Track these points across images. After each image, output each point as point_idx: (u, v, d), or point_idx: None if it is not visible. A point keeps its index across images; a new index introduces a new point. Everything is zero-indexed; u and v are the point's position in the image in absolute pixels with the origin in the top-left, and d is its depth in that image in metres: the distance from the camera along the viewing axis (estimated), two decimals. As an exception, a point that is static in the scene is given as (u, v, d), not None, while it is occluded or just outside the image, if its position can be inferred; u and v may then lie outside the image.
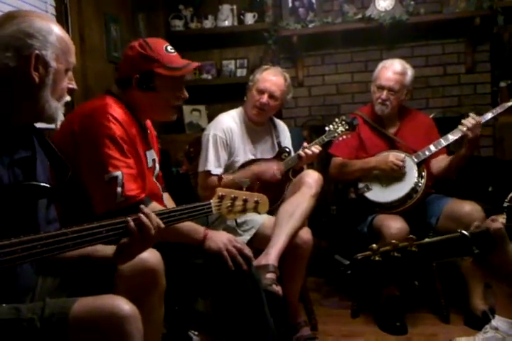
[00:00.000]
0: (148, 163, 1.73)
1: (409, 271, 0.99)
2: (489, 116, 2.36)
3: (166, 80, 1.66)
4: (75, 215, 1.53)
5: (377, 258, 0.97)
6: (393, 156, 2.41)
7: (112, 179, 1.53)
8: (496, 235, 1.01)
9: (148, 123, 1.83)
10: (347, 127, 2.35)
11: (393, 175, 2.42)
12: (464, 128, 2.29)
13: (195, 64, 1.74)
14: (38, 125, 1.27)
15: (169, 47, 1.69)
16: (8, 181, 1.14)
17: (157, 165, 1.82)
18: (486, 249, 1.02)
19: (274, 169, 2.27)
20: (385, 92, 2.47)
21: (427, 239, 1.00)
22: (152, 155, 1.77)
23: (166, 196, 1.89)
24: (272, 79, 2.34)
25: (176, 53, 1.71)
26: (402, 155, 2.42)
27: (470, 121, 2.28)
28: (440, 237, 1.01)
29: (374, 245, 0.99)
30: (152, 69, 1.64)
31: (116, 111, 1.59)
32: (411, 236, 1.01)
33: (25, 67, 1.15)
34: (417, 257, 0.98)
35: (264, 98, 2.31)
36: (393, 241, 1.00)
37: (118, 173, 1.53)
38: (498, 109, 2.36)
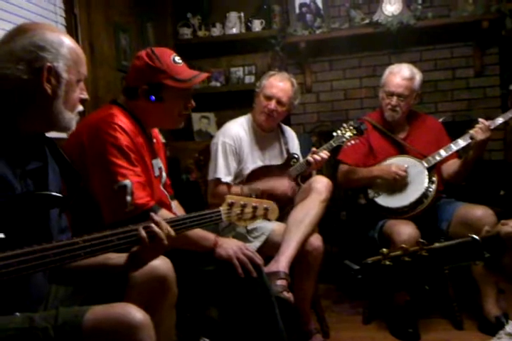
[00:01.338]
0: (155, 172, 1.74)
1: (420, 275, 0.99)
2: (500, 121, 2.34)
3: (174, 91, 1.67)
4: (86, 224, 1.54)
5: (387, 263, 0.96)
6: (396, 167, 2.41)
7: (120, 188, 1.55)
8: (506, 239, 1.00)
9: (155, 131, 1.84)
10: (355, 132, 2.35)
11: (398, 183, 2.41)
12: (473, 132, 2.29)
13: (204, 75, 1.75)
14: (49, 134, 1.29)
15: (177, 58, 1.70)
16: (21, 192, 1.16)
17: (164, 174, 1.83)
18: (497, 253, 1.01)
19: (285, 188, 2.26)
20: (394, 98, 2.46)
21: (437, 244, 1.00)
22: (158, 164, 1.78)
23: (175, 204, 1.90)
24: (279, 85, 2.34)
25: (183, 64, 1.72)
26: (406, 165, 2.42)
27: (479, 125, 2.29)
28: (450, 242, 1.00)
29: (384, 249, 0.98)
30: (160, 81, 1.65)
31: (122, 120, 1.61)
32: (421, 240, 1.01)
33: (38, 80, 1.16)
34: (427, 262, 0.97)
35: (272, 104, 2.32)
36: (403, 245, 0.99)
37: (127, 182, 1.55)
38: (509, 114, 2.35)
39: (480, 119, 2.33)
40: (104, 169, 1.56)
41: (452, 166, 2.48)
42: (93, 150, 1.57)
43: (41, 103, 1.18)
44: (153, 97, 1.66)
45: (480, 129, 2.28)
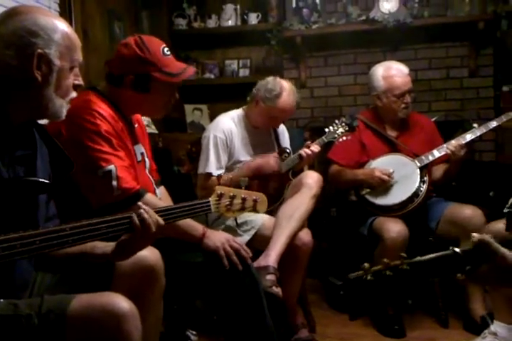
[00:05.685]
0: (137, 157, 1.74)
1: (402, 289, 0.99)
2: (493, 124, 2.36)
3: (161, 84, 1.67)
4: (72, 211, 1.52)
5: (369, 278, 0.96)
6: (379, 171, 2.40)
7: (106, 173, 1.55)
8: (482, 245, 0.99)
9: (137, 116, 1.83)
10: (347, 128, 2.37)
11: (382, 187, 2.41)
12: (449, 151, 2.34)
13: (192, 70, 1.75)
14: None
15: (165, 49, 1.69)
16: (8, 177, 1.13)
17: (147, 159, 1.82)
18: (478, 265, 1.00)
19: (271, 161, 2.29)
20: (407, 96, 2.48)
21: (418, 258, 0.99)
22: (140, 149, 1.77)
23: (161, 190, 1.90)
24: (288, 108, 2.31)
25: (171, 56, 1.71)
26: (391, 170, 2.41)
27: (452, 144, 2.33)
28: (431, 255, 1.00)
29: (366, 264, 0.99)
30: (149, 73, 1.64)
31: (100, 106, 1.60)
32: (403, 254, 1.00)
33: (28, 66, 1.13)
34: (409, 276, 0.97)
35: (280, 123, 2.43)
36: (385, 260, 0.99)
37: (111, 167, 1.55)
38: (504, 118, 2.36)
39: (452, 141, 2.35)
40: (86, 156, 1.55)
41: (438, 171, 2.52)
42: (73, 138, 1.56)
43: (31, 90, 1.15)
44: (140, 88, 1.65)
45: (455, 149, 2.32)
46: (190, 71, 1.73)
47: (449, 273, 0.99)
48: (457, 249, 0.99)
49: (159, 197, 1.79)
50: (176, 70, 1.68)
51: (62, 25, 1.19)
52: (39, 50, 1.13)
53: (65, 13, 2.48)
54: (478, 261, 0.98)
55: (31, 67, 1.13)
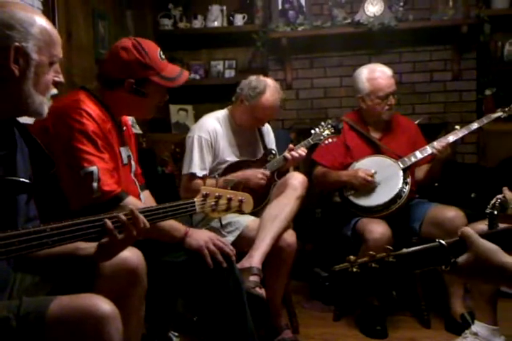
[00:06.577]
0: (124, 160, 1.73)
1: (388, 281, 0.99)
2: (475, 126, 2.39)
3: (157, 87, 1.69)
4: (52, 211, 1.50)
5: (354, 270, 0.96)
6: (362, 172, 2.42)
7: (87, 174, 1.54)
8: (464, 238, 1.00)
9: (125, 119, 1.82)
10: (332, 130, 2.38)
11: (366, 187, 2.42)
12: (434, 150, 2.37)
13: (186, 75, 1.77)
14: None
15: (161, 53, 1.71)
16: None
17: (133, 163, 1.81)
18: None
19: (258, 176, 2.25)
20: (391, 98, 2.50)
21: (404, 250, 1.00)
22: (127, 152, 1.76)
23: (146, 194, 1.88)
24: (272, 106, 2.29)
25: (165, 60, 1.73)
26: (373, 170, 2.43)
27: (439, 144, 2.36)
28: (418, 247, 1.00)
29: (351, 256, 0.99)
30: (147, 77, 1.66)
31: (89, 106, 1.60)
32: (388, 247, 1.01)
33: (4, 60, 1.11)
34: (394, 268, 0.97)
35: (265, 121, 2.41)
36: (371, 252, 0.99)
37: (93, 168, 1.54)
38: (484, 120, 2.40)
39: (437, 140, 2.39)
40: (70, 155, 1.54)
41: (421, 171, 2.55)
42: (58, 136, 1.55)
43: (9, 85, 1.13)
44: (139, 92, 1.66)
45: (441, 148, 2.35)
46: (185, 75, 1.75)
47: (435, 265, 0.99)
48: (443, 241, 0.99)
49: (143, 202, 1.78)
50: (172, 74, 1.70)
51: (40, 20, 1.17)
52: (16, 43, 1.11)
53: (48, 11, 2.45)
54: (461, 253, 0.99)
55: (8, 60, 1.11)
